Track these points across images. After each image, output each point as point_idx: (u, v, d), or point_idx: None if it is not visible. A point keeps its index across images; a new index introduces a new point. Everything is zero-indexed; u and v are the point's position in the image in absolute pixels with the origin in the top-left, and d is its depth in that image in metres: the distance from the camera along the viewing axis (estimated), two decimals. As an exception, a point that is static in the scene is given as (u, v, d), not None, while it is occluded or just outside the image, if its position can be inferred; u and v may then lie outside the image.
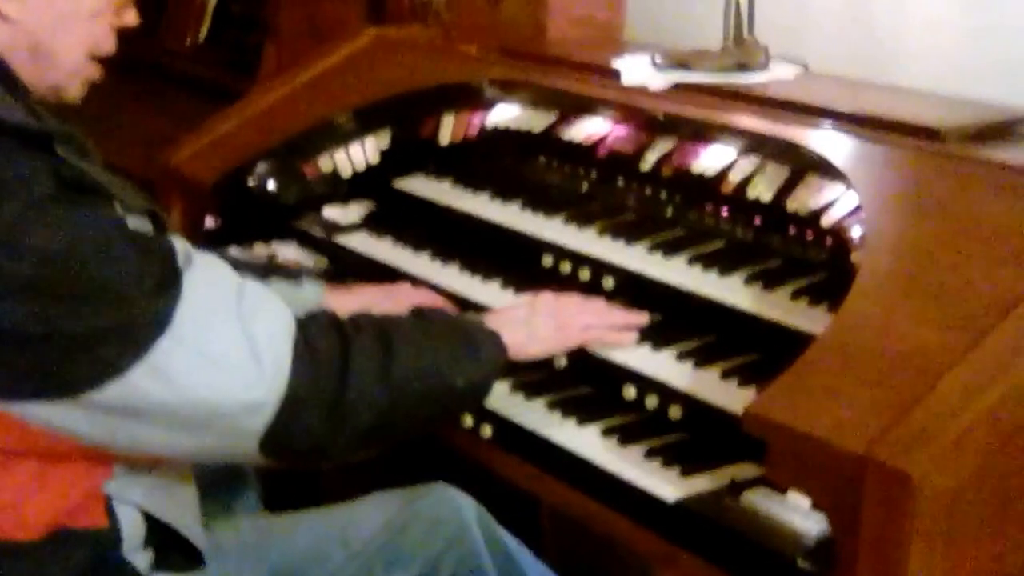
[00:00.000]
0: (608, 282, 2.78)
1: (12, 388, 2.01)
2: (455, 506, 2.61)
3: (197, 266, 2.11)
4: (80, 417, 2.03)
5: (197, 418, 2.06)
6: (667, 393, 2.48)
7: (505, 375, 2.55)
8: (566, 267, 2.87)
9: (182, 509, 2.35)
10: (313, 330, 2.19)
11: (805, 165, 2.67)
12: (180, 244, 2.14)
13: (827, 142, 2.64)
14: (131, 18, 2.37)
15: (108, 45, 2.34)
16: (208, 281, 2.11)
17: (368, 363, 2.18)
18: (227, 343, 2.07)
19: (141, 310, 2.01)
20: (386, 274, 3.05)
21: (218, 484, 2.69)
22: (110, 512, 2.23)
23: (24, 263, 1.94)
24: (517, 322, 2.48)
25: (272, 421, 2.09)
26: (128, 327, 1.99)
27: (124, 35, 2.38)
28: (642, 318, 2.63)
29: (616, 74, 3.18)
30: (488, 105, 3.36)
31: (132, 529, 2.26)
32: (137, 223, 2.09)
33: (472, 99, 3.38)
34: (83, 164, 2.08)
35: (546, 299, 2.57)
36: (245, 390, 2.07)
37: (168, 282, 2.05)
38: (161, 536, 2.32)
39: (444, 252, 3.11)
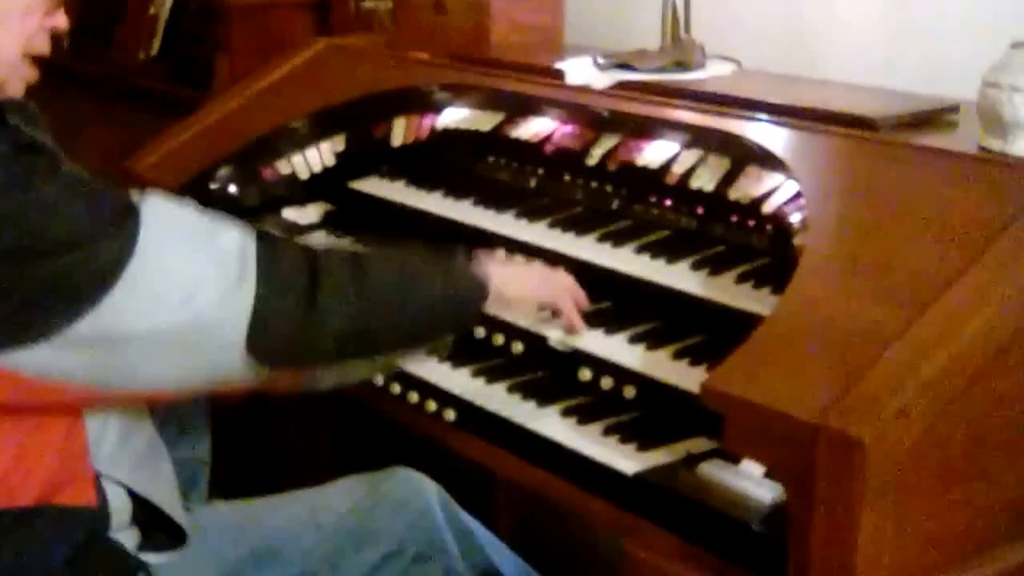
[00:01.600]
0: (560, 272, 2.80)
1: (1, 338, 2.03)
2: (418, 488, 2.63)
3: (153, 199, 2.14)
4: (68, 356, 2.05)
5: (177, 335, 2.08)
6: (621, 374, 2.50)
7: (469, 359, 2.59)
8: (519, 260, 2.88)
9: (164, 489, 2.37)
10: (278, 239, 2.25)
11: (745, 156, 2.70)
12: (133, 191, 2.18)
13: (766, 134, 2.67)
14: (61, 21, 2.35)
15: (41, 45, 2.33)
16: (166, 209, 2.15)
17: (339, 265, 2.22)
18: (193, 258, 2.11)
19: (105, 243, 2.03)
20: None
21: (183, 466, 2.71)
22: (99, 490, 2.25)
23: None
24: (505, 266, 2.57)
25: (250, 323, 2.10)
26: (95, 260, 2.02)
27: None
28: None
29: (560, 75, 3.20)
30: (438, 108, 3.38)
31: (119, 507, 2.28)
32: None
33: (422, 102, 3.40)
34: (35, 132, 2.13)
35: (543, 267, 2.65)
36: (217, 298, 2.09)
37: (128, 212, 2.08)
38: (146, 515, 2.34)
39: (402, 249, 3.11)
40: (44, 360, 2.04)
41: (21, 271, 1.99)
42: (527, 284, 2.54)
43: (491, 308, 2.45)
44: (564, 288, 2.59)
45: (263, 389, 2.26)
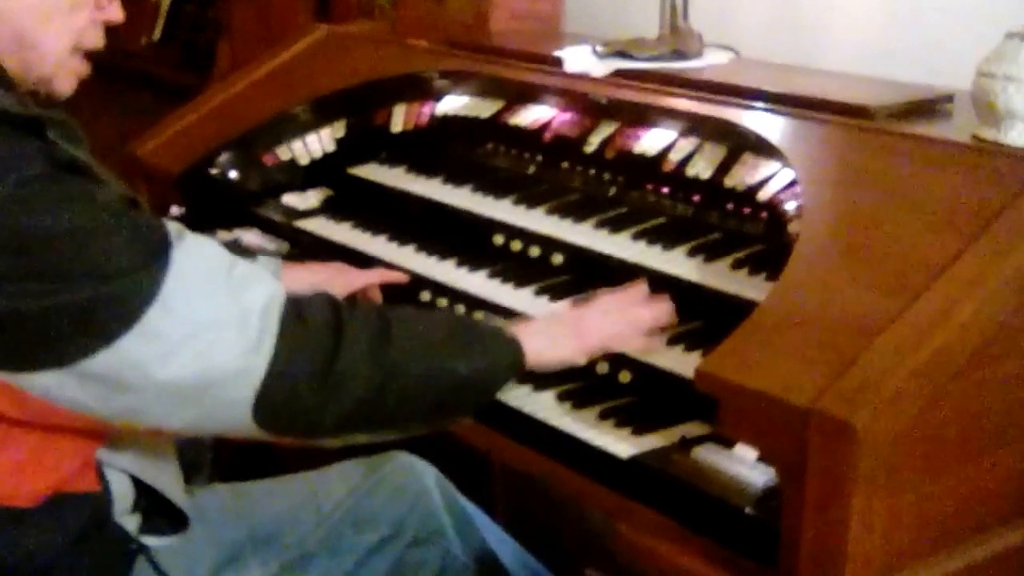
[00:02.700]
0: (557, 258, 2.82)
1: (10, 360, 1.99)
2: (416, 472, 2.64)
3: (189, 241, 2.08)
4: (75, 387, 2.00)
5: (188, 387, 2.02)
6: (617, 359, 2.51)
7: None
8: (517, 245, 2.90)
9: (167, 474, 2.36)
10: (305, 302, 2.14)
11: (742, 144, 2.72)
12: (174, 226, 2.10)
13: (762, 122, 2.69)
14: (115, 13, 2.32)
15: (93, 39, 2.29)
16: (199, 254, 2.07)
17: (361, 336, 2.11)
18: (216, 311, 2.03)
19: (131, 281, 1.98)
20: (345, 256, 3.06)
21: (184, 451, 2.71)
22: (101, 477, 2.24)
23: (18, 243, 1.93)
24: (537, 330, 2.38)
25: (260, 389, 2.04)
26: (119, 297, 1.97)
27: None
28: (667, 308, 2.49)
29: (559, 63, 3.21)
30: (438, 95, 3.39)
31: (122, 493, 2.28)
32: None
33: (422, 89, 3.42)
34: (73, 148, 2.08)
35: (575, 308, 2.49)
36: (233, 357, 2.03)
37: (158, 253, 2.01)
38: (148, 500, 2.33)
39: (401, 234, 3.13)
40: (52, 386, 2.00)
41: (44, 295, 1.94)
42: (561, 347, 2.38)
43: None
44: (601, 335, 2.43)
45: (266, 442, 2.20)
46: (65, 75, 2.27)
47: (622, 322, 2.44)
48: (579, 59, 3.19)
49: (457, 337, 2.24)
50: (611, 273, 2.70)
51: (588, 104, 3.05)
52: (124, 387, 2.01)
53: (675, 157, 2.81)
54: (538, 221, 2.92)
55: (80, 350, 1.97)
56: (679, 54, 3.16)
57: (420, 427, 2.27)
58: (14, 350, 1.98)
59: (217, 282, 2.07)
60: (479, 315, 2.74)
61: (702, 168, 2.76)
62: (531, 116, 3.16)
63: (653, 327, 2.45)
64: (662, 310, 2.46)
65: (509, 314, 2.68)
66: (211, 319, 2.03)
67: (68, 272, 1.95)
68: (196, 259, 2.06)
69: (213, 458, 2.90)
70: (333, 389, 2.08)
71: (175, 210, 3.41)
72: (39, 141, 2.01)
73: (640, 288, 2.52)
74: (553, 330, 2.41)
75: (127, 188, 2.20)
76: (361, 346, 2.11)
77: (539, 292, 2.75)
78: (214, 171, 3.45)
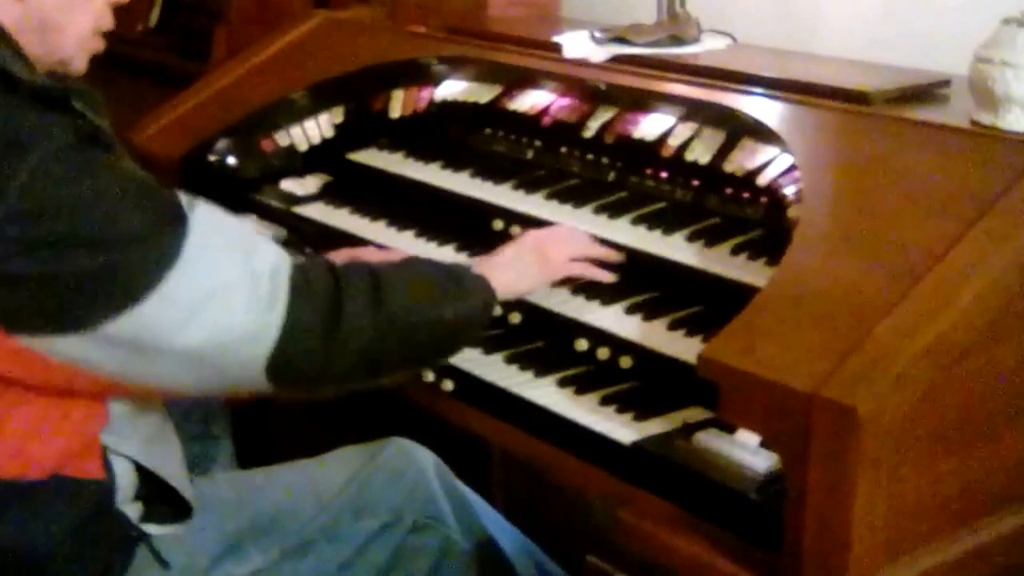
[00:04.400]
0: (557, 243, 2.80)
1: (36, 323, 2.02)
2: (415, 458, 2.64)
3: (201, 208, 2.13)
4: (97, 350, 2.04)
5: (206, 348, 2.08)
6: (618, 344, 2.50)
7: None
8: (516, 230, 2.88)
9: (171, 463, 2.37)
10: (308, 265, 2.22)
11: (740, 129, 2.70)
12: (183, 195, 2.15)
13: (761, 107, 2.67)
14: None
15: (108, 21, 2.35)
16: (213, 220, 2.14)
17: (360, 293, 2.20)
18: (232, 275, 2.09)
19: (154, 244, 2.03)
20: (345, 242, 3.04)
21: (195, 441, 2.72)
22: (106, 464, 2.26)
23: (47, 211, 1.98)
24: (503, 264, 2.51)
25: (274, 348, 2.11)
26: (142, 261, 2.02)
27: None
28: (615, 255, 2.67)
29: (557, 48, 3.19)
30: (436, 80, 3.37)
31: (126, 481, 2.29)
32: None
33: (421, 75, 3.40)
34: (97, 119, 2.13)
35: (532, 235, 2.62)
36: (248, 317, 2.09)
37: (178, 218, 2.07)
38: (151, 489, 2.34)
39: (400, 220, 3.11)
40: (72, 349, 2.04)
41: (67, 261, 1.99)
42: (528, 276, 2.54)
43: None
44: (564, 260, 2.59)
45: (273, 397, 2.27)
46: (83, 55, 2.33)
47: (581, 247, 2.62)
48: (577, 45, 3.18)
49: (439, 286, 2.34)
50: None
51: (587, 89, 3.04)
52: (145, 350, 2.06)
53: (674, 142, 2.80)
54: (537, 206, 2.91)
55: (103, 313, 2.02)
56: (677, 40, 3.15)
57: (416, 370, 2.52)
58: (40, 314, 2.02)
59: (231, 246, 2.13)
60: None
61: (701, 153, 2.75)
62: (530, 101, 3.14)
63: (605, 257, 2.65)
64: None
65: (510, 302, 2.65)
66: (227, 281, 2.09)
67: (93, 239, 2.01)
68: (211, 224, 2.12)
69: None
70: (340, 343, 2.17)
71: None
72: (65, 113, 2.06)
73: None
74: (520, 260, 2.55)
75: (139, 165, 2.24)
76: (360, 301, 2.20)
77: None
78: (212, 157, 3.43)
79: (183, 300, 2.04)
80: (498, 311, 2.49)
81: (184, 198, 2.13)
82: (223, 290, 2.08)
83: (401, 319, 2.24)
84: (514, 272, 2.51)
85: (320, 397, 2.32)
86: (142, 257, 2.03)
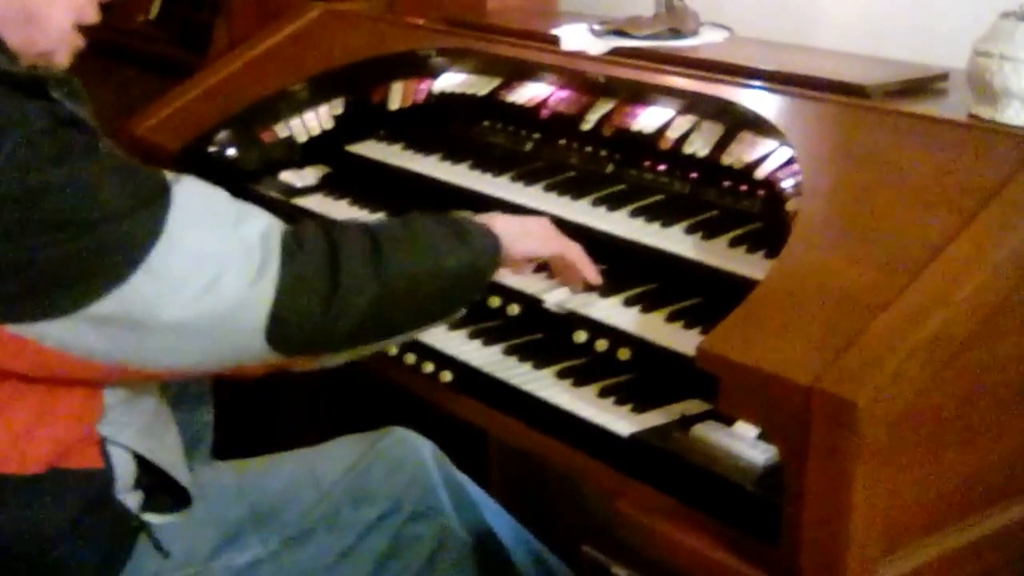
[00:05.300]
0: (556, 235, 2.79)
1: (23, 310, 2.01)
2: (414, 448, 2.63)
3: (187, 180, 2.13)
4: (89, 331, 2.03)
5: (200, 320, 2.06)
6: (616, 336, 2.49)
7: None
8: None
9: (169, 452, 2.36)
10: (301, 228, 2.21)
11: (739, 122, 2.69)
12: (170, 173, 2.15)
13: (759, 100, 2.66)
14: None
15: (91, 15, 2.36)
16: (197, 192, 2.13)
17: (356, 251, 2.18)
18: (219, 243, 2.08)
19: (136, 220, 2.02)
20: (343, 233, 3.04)
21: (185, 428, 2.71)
22: (104, 454, 2.25)
23: (25, 195, 1.96)
24: (508, 219, 2.49)
25: (271, 313, 2.09)
26: (125, 237, 2.01)
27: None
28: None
29: (556, 41, 3.18)
30: (435, 73, 3.37)
31: (124, 470, 2.28)
32: None
33: (420, 67, 3.39)
34: (76, 106, 2.11)
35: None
36: (240, 286, 2.07)
37: (159, 192, 2.06)
38: (150, 478, 2.34)
39: (399, 211, 3.08)
40: (65, 334, 2.03)
41: (52, 244, 1.97)
42: (534, 239, 2.50)
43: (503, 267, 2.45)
44: (565, 239, 2.56)
45: (278, 370, 2.25)
46: (65, 49, 2.33)
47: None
48: (576, 37, 3.18)
49: (440, 233, 2.31)
50: (609, 250, 2.68)
51: (585, 82, 3.03)
52: (137, 327, 2.05)
53: (672, 135, 2.79)
54: (536, 198, 2.89)
55: (91, 293, 2.00)
56: (675, 32, 3.14)
57: (424, 326, 2.39)
58: (26, 299, 2.01)
59: (218, 215, 2.13)
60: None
61: (699, 146, 2.73)
62: (528, 94, 3.13)
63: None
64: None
65: (509, 291, 2.67)
66: (215, 251, 2.07)
67: (74, 221, 1.99)
68: (196, 195, 2.12)
69: (214, 434, 2.90)
70: (340, 304, 2.15)
71: (173, 187, 3.39)
72: (43, 100, 2.04)
73: None
74: (526, 223, 2.52)
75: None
76: (358, 260, 2.18)
77: (539, 268, 2.72)
78: (212, 149, 3.42)
79: (169, 274, 2.03)
80: (494, 301, 2.48)
81: (170, 175, 2.13)
82: (210, 260, 2.06)
83: (402, 272, 2.22)
84: (520, 227, 2.48)
85: (333, 361, 2.30)
86: (123, 235, 2.01)
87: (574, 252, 2.56)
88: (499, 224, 2.42)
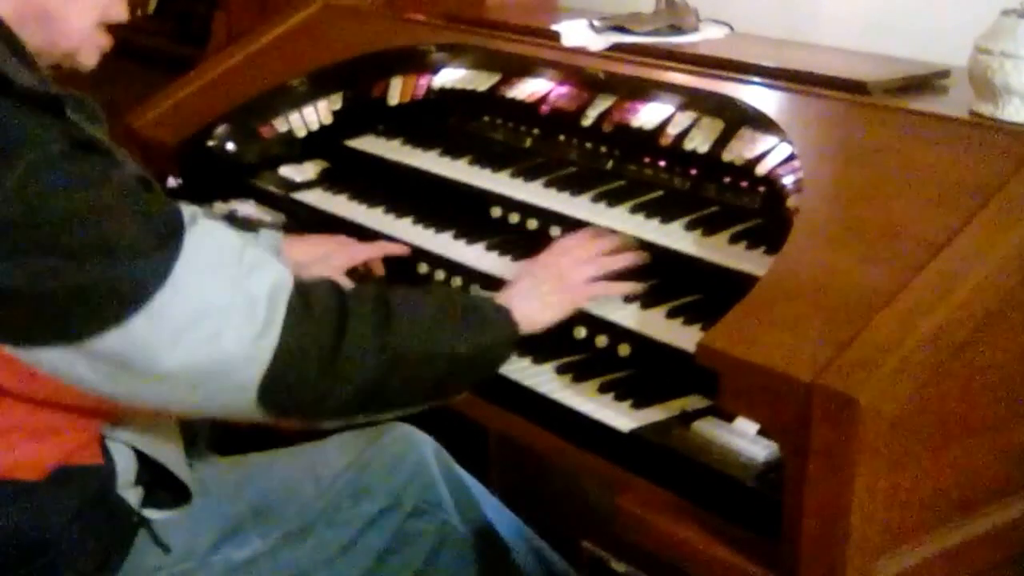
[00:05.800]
0: (555, 231, 2.79)
1: (21, 335, 1.98)
2: (414, 443, 2.63)
3: (201, 226, 2.07)
4: (83, 364, 2.00)
5: (194, 371, 2.02)
6: (616, 332, 2.50)
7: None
8: (515, 218, 2.89)
9: (170, 448, 2.35)
10: (310, 288, 2.14)
11: (739, 118, 2.68)
12: (188, 209, 2.09)
13: (760, 96, 2.66)
14: None
15: (118, 12, 2.32)
16: (210, 240, 2.07)
17: (365, 319, 2.13)
18: (224, 296, 2.03)
19: (143, 263, 1.97)
20: (343, 228, 3.04)
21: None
22: (105, 450, 2.24)
23: (34, 220, 1.92)
24: (525, 294, 2.41)
25: (266, 374, 2.04)
26: (130, 278, 1.96)
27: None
28: (633, 258, 2.59)
29: (556, 36, 3.18)
30: (435, 68, 3.36)
31: (125, 466, 2.27)
32: None
33: (419, 62, 3.38)
34: (92, 128, 2.07)
35: (546, 263, 2.51)
36: (240, 342, 2.02)
37: (170, 237, 2.01)
38: (150, 474, 2.33)
39: (398, 206, 3.10)
40: (58, 361, 2.00)
41: (54, 272, 1.93)
42: (553, 310, 2.43)
43: None
44: (583, 284, 2.49)
45: (267, 425, 2.20)
46: (89, 49, 2.28)
47: (597, 262, 2.53)
48: (576, 33, 3.17)
49: (455, 316, 2.25)
50: (609, 246, 2.67)
51: (585, 78, 3.02)
52: (131, 368, 2.01)
53: (672, 131, 2.79)
54: (535, 194, 2.89)
55: (89, 328, 1.96)
56: (675, 28, 3.13)
57: (421, 406, 2.30)
58: (25, 324, 1.98)
59: (227, 267, 2.06)
60: (476, 288, 2.72)
61: (700, 142, 2.73)
62: (528, 89, 3.12)
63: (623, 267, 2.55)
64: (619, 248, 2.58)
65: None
66: (220, 304, 2.02)
67: (81, 251, 1.95)
68: (208, 244, 2.06)
69: (210, 432, 2.89)
70: (338, 374, 2.09)
71: (172, 181, 3.39)
72: (59, 120, 2.00)
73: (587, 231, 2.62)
74: (540, 290, 2.44)
75: (142, 168, 2.18)
76: (365, 332, 2.11)
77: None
78: (211, 143, 3.42)
79: (170, 322, 1.98)
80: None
81: (187, 211, 2.07)
82: (214, 312, 2.01)
83: (409, 350, 2.16)
84: (538, 302, 2.41)
85: (319, 427, 2.30)
86: (130, 274, 1.97)
87: (598, 291, 2.51)
88: (517, 305, 2.35)
